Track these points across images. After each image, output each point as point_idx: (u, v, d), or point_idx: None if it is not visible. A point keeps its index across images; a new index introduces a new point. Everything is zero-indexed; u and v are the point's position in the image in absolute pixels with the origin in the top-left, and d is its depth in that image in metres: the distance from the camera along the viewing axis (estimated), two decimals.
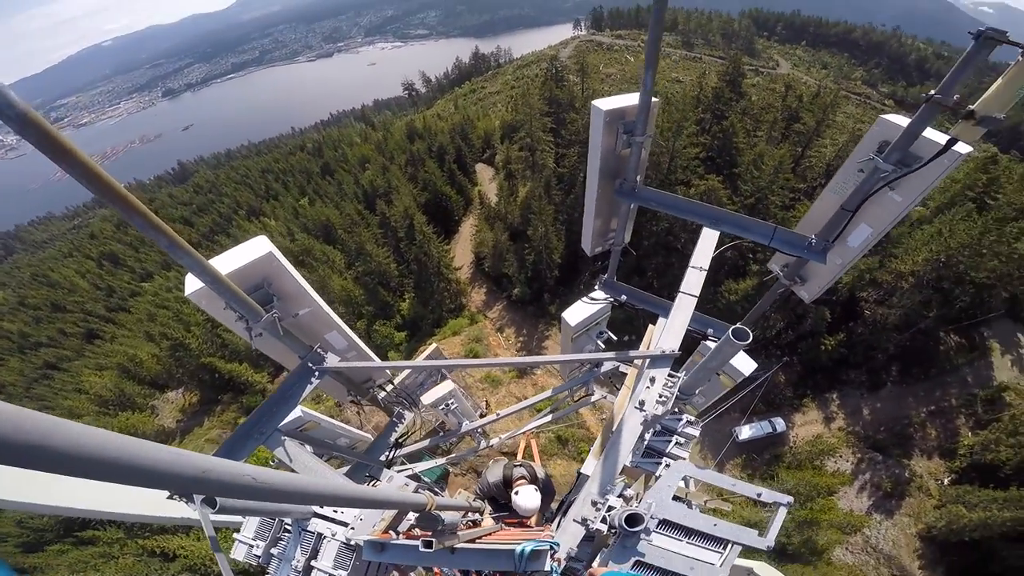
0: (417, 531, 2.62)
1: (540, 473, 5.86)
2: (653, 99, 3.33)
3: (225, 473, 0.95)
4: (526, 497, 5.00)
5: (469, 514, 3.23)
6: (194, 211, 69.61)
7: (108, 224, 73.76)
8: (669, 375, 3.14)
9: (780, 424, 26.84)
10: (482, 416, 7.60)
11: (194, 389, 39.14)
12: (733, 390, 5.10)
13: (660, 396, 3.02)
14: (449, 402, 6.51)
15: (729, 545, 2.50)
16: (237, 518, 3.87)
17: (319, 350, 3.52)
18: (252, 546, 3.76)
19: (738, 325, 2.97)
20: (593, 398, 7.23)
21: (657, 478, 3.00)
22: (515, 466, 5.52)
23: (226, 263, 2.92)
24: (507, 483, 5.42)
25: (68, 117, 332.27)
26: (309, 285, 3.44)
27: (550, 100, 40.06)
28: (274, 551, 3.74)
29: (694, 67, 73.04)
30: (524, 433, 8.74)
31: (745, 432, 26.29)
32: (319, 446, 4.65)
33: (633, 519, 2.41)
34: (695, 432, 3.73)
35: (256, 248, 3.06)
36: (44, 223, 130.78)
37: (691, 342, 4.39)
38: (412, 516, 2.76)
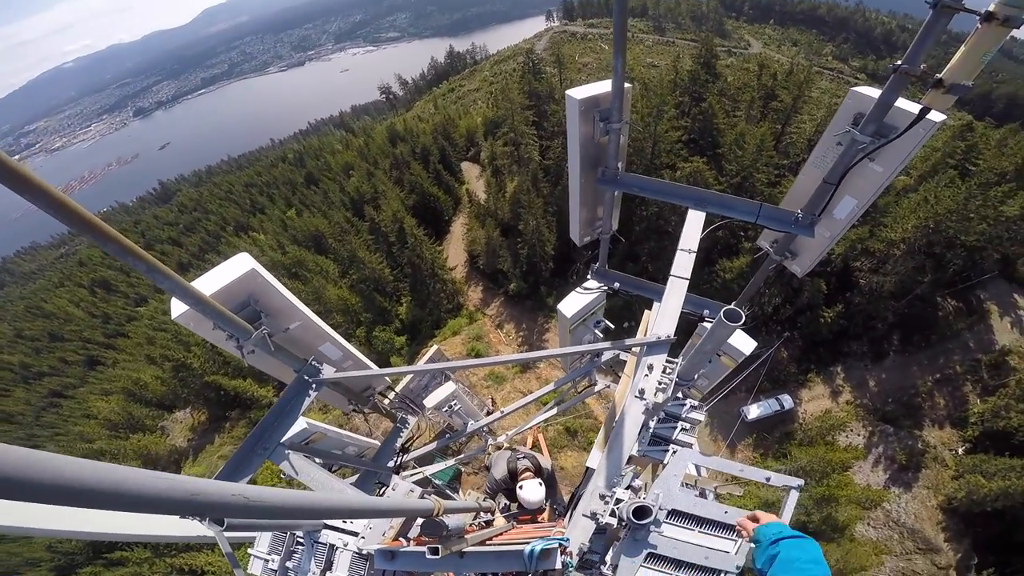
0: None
1: (545, 464, 5.87)
2: (627, 85, 3.32)
3: (215, 495, 0.95)
4: (530, 491, 5.03)
5: (481, 514, 3.24)
6: (181, 231, 68.98)
7: (96, 250, 73.04)
8: (667, 361, 3.13)
9: (788, 401, 26.80)
10: (489, 414, 7.60)
11: (201, 408, 39.08)
12: (736, 370, 5.09)
13: (660, 383, 3.01)
14: (452, 403, 6.50)
15: None
16: (251, 533, 3.88)
17: (314, 363, 3.51)
18: (267, 560, 3.79)
19: (730, 306, 2.96)
20: (597, 388, 7.25)
21: (664, 466, 3.00)
22: (518, 458, 5.53)
23: (209, 283, 2.90)
24: (513, 476, 5.44)
25: (40, 142, 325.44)
26: (297, 298, 3.43)
27: (530, 93, 39.86)
28: (289, 564, 3.75)
29: (668, 51, 73.34)
30: (531, 428, 8.74)
31: (753, 411, 26.24)
32: (328, 457, 4.64)
33: (641, 511, 2.38)
34: (700, 417, 3.74)
35: (239, 266, 3.04)
36: (30, 253, 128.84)
37: (691, 324, 4.39)
38: (421, 521, 2.76)
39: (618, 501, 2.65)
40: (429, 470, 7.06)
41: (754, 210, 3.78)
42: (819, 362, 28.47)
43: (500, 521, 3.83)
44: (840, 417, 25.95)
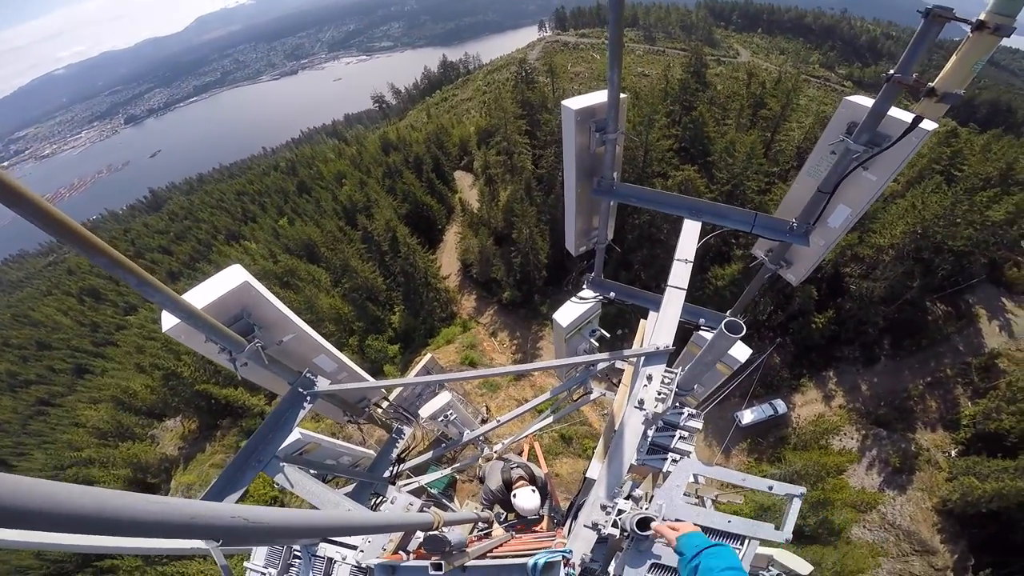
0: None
1: (538, 473, 5.87)
2: (621, 95, 3.34)
3: (214, 517, 0.93)
4: (524, 498, 5.04)
5: (480, 525, 3.20)
6: (172, 239, 68.29)
7: (84, 259, 72.06)
8: (666, 371, 3.12)
9: (781, 406, 26.99)
10: (484, 422, 7.56)
11: (192, 416, 38.77)
12: (730, 377, 5.11)
13: (659, 393, 3.00)
14: (447, 413, 6.45)
15: (747, 540, 2.49)
16: (247, 547, 3.80)
17: (309, 375, 3.46)
18: (264, 574, 3.71)
19: (730, 317, 2.95)
20: (592, 396, 7.23)
21: (665, 475, 2.98)
22: (512, 468, 5.52)
23: (201, 296, 2.85)
24: (508, 486, 5.43)
25: (29, 149, 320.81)
26: (291, 310, 3.38)
27: (523, 103, 40.09)
28: None
29: (658, 60, 74.27)
30: (526, 436, 8.69)
31: (747, 416, 26.43)
32: (323, 468, 4.58)
33: (644, 523, 2.35)
34: (698, 425, 3.72)
35: (231, 278, 2.99)
36: (18, 261, 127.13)
37: (686, 331, 4.39)
38: (421, 534, 2.72)
39: (619, 511, 2.62)
40: (424, 479, 6.99)
41: (749, 220, 3.80)
42: (811, 367, 28.72)
43: (499, 531, 3.79)
44: (833, 421, 26.16)
